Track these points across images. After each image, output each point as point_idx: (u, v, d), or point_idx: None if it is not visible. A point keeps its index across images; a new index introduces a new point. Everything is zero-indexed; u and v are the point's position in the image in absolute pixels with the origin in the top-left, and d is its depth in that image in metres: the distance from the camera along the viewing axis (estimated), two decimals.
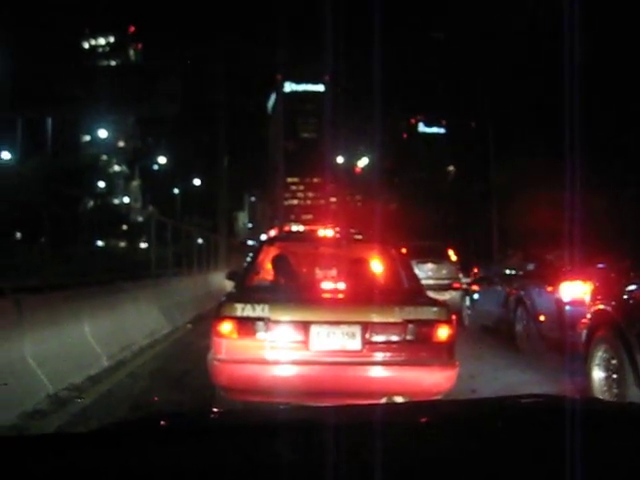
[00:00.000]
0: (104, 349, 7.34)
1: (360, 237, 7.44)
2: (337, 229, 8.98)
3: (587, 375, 5.48)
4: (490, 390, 5.90)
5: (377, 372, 4.78)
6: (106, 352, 7.35)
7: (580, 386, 5.76)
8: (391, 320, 4.81)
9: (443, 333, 4.80)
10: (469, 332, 11.09)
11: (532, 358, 8.23)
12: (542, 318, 8.70)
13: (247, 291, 5.61)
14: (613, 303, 5.18)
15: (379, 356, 4.79)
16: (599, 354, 5.33)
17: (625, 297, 5.08)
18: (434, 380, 4.76)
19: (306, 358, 4.75)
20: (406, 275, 6.12)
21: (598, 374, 5.37)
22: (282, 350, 4.76)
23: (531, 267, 10.07)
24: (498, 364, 7.92)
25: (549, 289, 8.69)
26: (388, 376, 4.75)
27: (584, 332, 5.63)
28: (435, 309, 4.95)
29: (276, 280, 6.09)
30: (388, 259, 6.55)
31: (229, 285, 6.88)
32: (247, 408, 4.66)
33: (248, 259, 6.87)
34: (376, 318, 4.83)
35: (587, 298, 7.36)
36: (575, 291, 7.97)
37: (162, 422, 1.59)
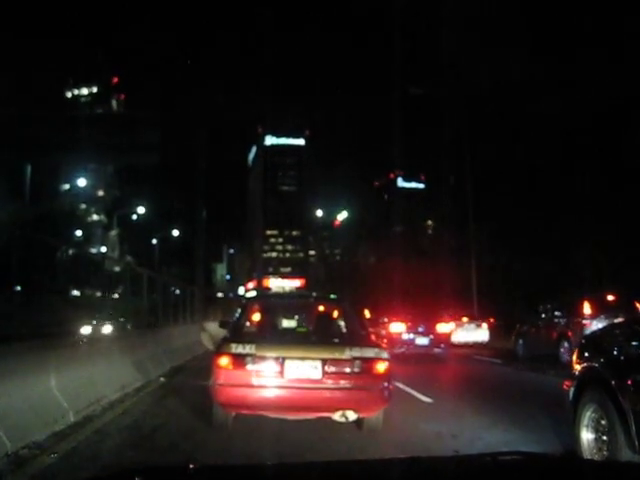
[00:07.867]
0: (71, 403, 7.01)
1: (334, 296, 9.64)
2: (314, 293, 11.88)
3: (575, 436, 5.25)
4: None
5: (333, 394, 6.53)
6: (73, 407, 7.02)
7: (568, 447, 5.55)
8: (343, 357, 6.54)
9: (381, 367, 6.62)
10: None
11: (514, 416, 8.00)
12: (385, 341, 17.73)
13: (238, 335, 7.38)
14: (602, 360, 5.00)
15: (334, 382, 6.52)
16: (588, 414, 5.11)
17: (615, 354, 4.90)
18: (374, 399, 6.63)
19: (282, 384, 6.47)
20: (359, 324, 8.26)
21: (587, 435, 5.14)
22: (265, 378, 6.47)
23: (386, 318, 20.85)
24: None
25: (387, 326, 19.37)
26: (340, 397, 6.54)
27: (571, 391, 5.41)
28: (376, 350, 6.81)
29: (260, 327, 9.14)
30: (347, 313, 8.66)
31: (219, 332, 9.16)
32: (223, 465, 4.40)
33: (237, 312, 8.54)
34: (332, 355, 6.57)
35: (405, 330, 18.56)
36: (395, 327, 18.79)
37: (136, 478, 1.56)
